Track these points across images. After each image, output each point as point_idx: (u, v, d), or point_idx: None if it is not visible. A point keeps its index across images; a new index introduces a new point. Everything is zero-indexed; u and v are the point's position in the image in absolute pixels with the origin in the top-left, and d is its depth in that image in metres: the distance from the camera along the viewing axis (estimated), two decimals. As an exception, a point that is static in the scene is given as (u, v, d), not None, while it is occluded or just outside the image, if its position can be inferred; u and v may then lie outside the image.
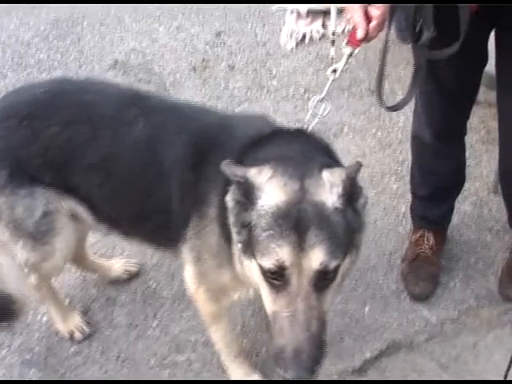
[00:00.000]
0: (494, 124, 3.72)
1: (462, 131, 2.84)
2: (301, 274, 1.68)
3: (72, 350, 2.94)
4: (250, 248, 1.76)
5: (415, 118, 2.86)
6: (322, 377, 2.75)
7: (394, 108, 2.33)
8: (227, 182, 1.90)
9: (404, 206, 3.43)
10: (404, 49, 4.54)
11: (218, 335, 2.64)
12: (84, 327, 2.97)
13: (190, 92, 4.40)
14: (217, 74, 4.56)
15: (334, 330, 2.95)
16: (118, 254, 3.38)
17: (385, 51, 2.26)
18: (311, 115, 2.20)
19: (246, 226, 1.75)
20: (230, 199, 1.84)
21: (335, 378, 2.81)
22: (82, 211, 2.47)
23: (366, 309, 3.03)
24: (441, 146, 2.77)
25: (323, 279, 1.71)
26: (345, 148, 3.87)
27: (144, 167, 2.30)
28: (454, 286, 3.11)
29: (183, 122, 2.28)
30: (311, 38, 4.78)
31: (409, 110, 3.68)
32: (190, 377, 2.85)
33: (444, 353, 2.85)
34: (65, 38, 5.07)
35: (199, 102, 4.20)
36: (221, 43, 4.88)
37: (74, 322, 2.96)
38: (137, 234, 2.55)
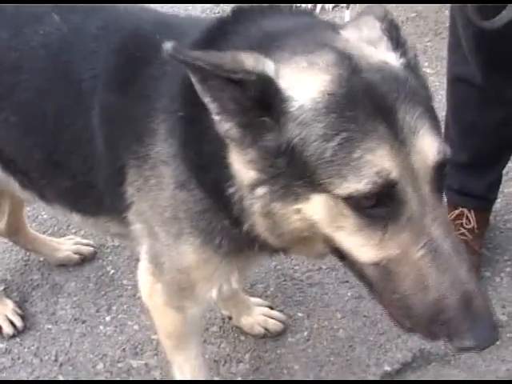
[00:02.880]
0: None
1: None
2: (417, 181, 1.14)
3: (-1, 347, 2.38)
4: (301, 181, 1.17)
5: (456, 55, 2.34)
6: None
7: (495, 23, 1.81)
8: (182, 98, 1.34)
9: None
10: (430, 20, 4.05)
11: (181, 373, 1.92)
12: (15, 320, 2.45)
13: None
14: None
15: (343, 335, 2.37)
16: (72, 234, 2.80)
17: None
18: None
19: (283, 152, 1.16)
20: (227, 126, 1.18)
21: (342, 396, 2.18)
22: None
23: (386, 308, 2.36)
24: (493, 85, 2.21)
25: (442, 177, 1.19)
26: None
27: (52, 85, 1.63)
28: (500, 281, 2.54)
29: (109, 22, 1.63)
30: (323, 8, 4.33)
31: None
32: (146, 387, 2.24)
33: (490, 368, 2.24)
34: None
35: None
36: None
37: (4, 313, 2.45)
38: (56, 196, 1.84)
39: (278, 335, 2.32)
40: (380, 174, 1.10)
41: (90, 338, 2.40)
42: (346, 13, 3.88)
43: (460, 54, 2.28)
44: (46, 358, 2.34)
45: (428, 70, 3.38)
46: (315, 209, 1.17)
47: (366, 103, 1.12)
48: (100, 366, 2.30)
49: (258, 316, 2.31)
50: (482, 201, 2.56)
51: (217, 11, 4.39)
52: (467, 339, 1.13)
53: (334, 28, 1.33)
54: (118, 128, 1.53)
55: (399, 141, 1.11)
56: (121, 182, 1.55)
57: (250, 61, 1.14)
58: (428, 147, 1.14)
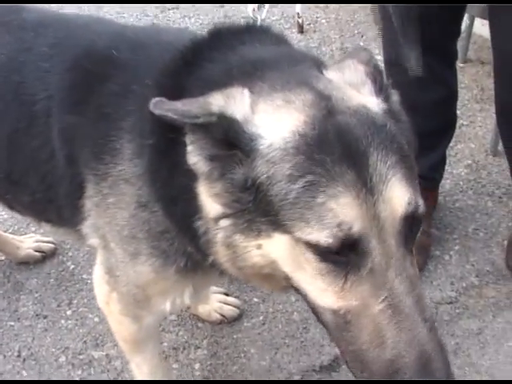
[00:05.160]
0: (488, 82, 3.43)
1: (452, 51, 2.41)
2: (382, 232, 1.08)
3: (-39, 347, 2.41)
4: (265, 218, 1.13)
5: (390, 42, 2.40)
6: (279, 376, 2.18)
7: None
8: (153, 128, 1.29)
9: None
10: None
11: (140, 371, 1.94)
12: (-24, 319, 2.46)
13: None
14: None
15: (297, 318, 2.42)
16: (32, 232, 2.82)
17: None
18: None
19: (248, 188, 1.13)
20: (196, 159, 1.17)
21: (297, 378, 2.24)
22: None
23: (339, 290, 2.41)
24: (429, 68, 2.24)
25: (411, 232, 1.13)
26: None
27: (4, 107, 1.63)
28: (449, 259, 2.62)
29: (61, 39, 1.61)
30: (254, 9, 4.27)
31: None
32: (107, 377, 2.26)
33: (440, 342, 2.25)
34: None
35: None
36: (173, 7, 4.44)
37: (-33, 313, 2.46)
38: (23, 208, 1.87)
39: (234, 321, 2.37)
40: (341, 227, 1.05)
41: (52, 333, 2.42)
42: (264, 11, 3.93)
43: (393, 36, 2.28)
44: (9, 354, 2.35)
45: (379, 57, 3.43)
46: (276, 247, 1.14)
47: (336, 147, 1.07)
48: (62, 358, 2.33)
49: (215, 303, 2.36)
50: (427, 180, 2.53)
51: (171, 6, 4.44)
52: None
53: (319, 65, 1.30)
54: (77, 146, 1.51)
55: (367, 189, 1.06)
56: (79, 196, 1.55)
57: (219, 101, 1.13)
58: (397, 197, 1.08)
